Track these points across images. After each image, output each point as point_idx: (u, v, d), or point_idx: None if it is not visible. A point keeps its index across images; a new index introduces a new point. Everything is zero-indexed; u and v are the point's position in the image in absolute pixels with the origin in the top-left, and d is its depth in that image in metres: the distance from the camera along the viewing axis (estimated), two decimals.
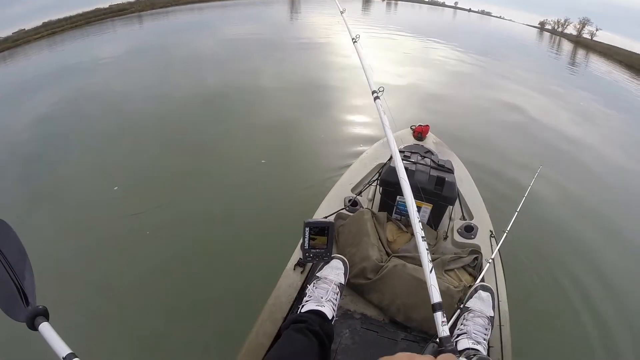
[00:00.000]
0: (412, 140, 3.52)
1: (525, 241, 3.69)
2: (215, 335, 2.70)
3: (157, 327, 2.82)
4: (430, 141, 3.57)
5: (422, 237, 1.22)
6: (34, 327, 1.07)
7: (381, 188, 2.49)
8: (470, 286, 1.91)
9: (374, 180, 2.70)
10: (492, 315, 1.76)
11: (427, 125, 3.61)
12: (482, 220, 2.62)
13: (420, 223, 1.25)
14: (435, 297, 1.15)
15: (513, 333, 1.90)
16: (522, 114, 8.76)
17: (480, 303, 1.78)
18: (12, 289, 1.18)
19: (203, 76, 9.54)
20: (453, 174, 2.43)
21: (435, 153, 3.00)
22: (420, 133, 3.55)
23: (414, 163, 2.44)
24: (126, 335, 2.78)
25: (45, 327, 1.05)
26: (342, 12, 2.81)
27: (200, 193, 4.42)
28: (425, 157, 2.56)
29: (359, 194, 2.69)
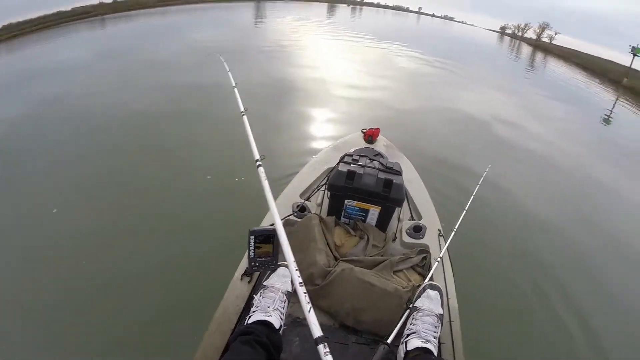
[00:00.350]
0: (362, 144, 3.54)
1: (473, 239, 3.82)
2: (163, 351, 2.64)
3: (101, 345, 2.73)
4: (380, 144, 3.60)
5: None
6: None
7: (329, 193, 2.49)
8: (419, 285, 1.92)
9: (322, 185, 2.70)
10: (441, 312, 1.76)
11: (378, 128, 3.64)
12: (431, 220, 2.65)
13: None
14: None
15: (464, 329, 1.93)
16: (476, 116, 9.06)
17: (428, 302, 1.78)
18: None
19: (161, 83, 9.42)
20: (401, 175, 2.45)
21: (385, 155, 3.03)
22: (370, 136, 3.58)
23: (362, 166, 2.44)
24: (74, 349, 2.70)
25: None
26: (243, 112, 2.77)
27: (144, 205, 4.31)
28: (374, 160, 2.57)
29: (308, 199, 2.69)
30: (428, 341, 1.59)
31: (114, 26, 22.36)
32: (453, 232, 2.45)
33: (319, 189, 2.75)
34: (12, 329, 2.78)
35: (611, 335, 3.25)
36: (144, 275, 3.28)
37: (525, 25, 72.73)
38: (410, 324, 1.71)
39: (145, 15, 26.98)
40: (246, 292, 2.00)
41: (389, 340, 1.63)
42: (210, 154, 5.50)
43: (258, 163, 1.79)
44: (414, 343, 1.59)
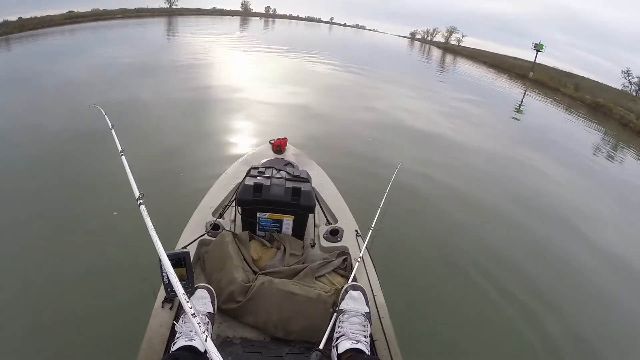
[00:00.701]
0: (271, 155, 3.53)
1: (392, 235, 3.92)
2: None
3: None
4: (290, 153, 3.63)
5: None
6: None
7: (240, 208, 2.48)
8: (342, 288, 1.93)
9: (233, 201, 2.66)
10: (368, 311, 1.78)
11: (285, 138, 3.67)
12: (347, 221, 2.67)
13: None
14: None
15: (395, 323, 1.95)
16: (387, 118, 9.49)
17: (352, 302, 1.80)
18: None
19: (74, 103, 9.01)
20: (309, 182, 2.48)
21: (296, 164, 3.02)
22: (279, 146, 3.61)
23: (269, 178, 2.45)
24: None
25: None
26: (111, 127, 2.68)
27: (52, 242, 3.94)
28: (280, 170, 2.58)
29: (220, 216, 2.64)
30: (358, 341, 1.60)
31: (20, 46, 21.03)
32: (370, 231, 2.49)
33: (230, 205, 2.72)
34: None
35: (534, 312, 3.46)
36: (59, 321, 2.99)
37: (434, 29, 76.23)
38: (338, 327, 1.71)
39: (53, 33, 25.63)
40: (169, 319, 1.92)
41: (320, 346, 1.63)
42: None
43: (139, 202, 1.79)
44: (344, 345, 1.59)
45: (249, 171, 2.58)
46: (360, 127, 8.26)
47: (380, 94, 11.80)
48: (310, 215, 2.50)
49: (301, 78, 13.12)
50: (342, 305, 1.80)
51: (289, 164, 2.94)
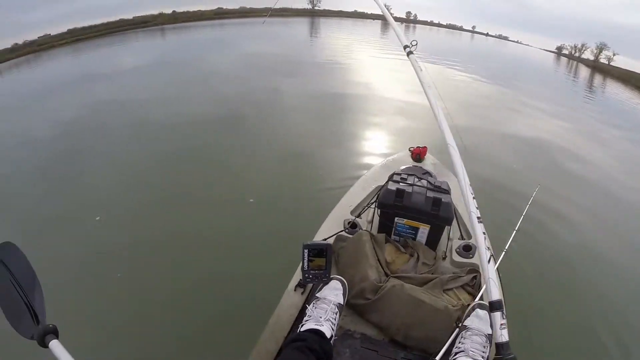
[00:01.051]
0: (410, 162, 3.57)
1: (524, 260, 3.78)
2: (218, 352, 2.76)
3: (164, 346, 2.87)
4: (429, 162, 3.62)
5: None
6: (44, 344, 1.11)
7: (379, 210, 2.53)
8: (469, 305, 1.92)
9: (372, 203, 2.73)
10: (490, 333, 1.75)
11: (425, 147, 3.67)
12: (481, 240, 2.62)
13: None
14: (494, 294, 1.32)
15: (513, 350, 1.90)
16: (528, 137, 8.87)
17: (477, 321, 1.79)
18: (22, 307, 1.23)
19: (220, 93, 9.71)
20: (449, 194, 2.47)
21: (434, 174, 3.04)
22: (418, 154, 3.61)
23: (411, 185, 2.49)
24: (136, 349, 2.85)
25: (55, 345, 1.09)
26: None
27: (204, 214, 4.51)
28: (422, 178, 2.60)
29: (358, 216, 2.73)
30: None
31: (173, 36, 23.09)
32: (503, 252, 2.45)
33: (369, 207, 2.79)
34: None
35: None
36: (201, 284, 3.46)
37: (582, 45, 70.45)
38: (459, 342, 1.72)
39: (203, 27, 27.74)
40: (299, 302, 2.06)
41: (437, 358, 1.65)
42: (269, 165, 5.74)
43: (408, 50, 1.98)
44: None
45: (391, 176, 2.63)
46: (498, 144, 7.90)
47: (522, 113, 11.14)
48: (446, 228, 2.50)
49: (441, 87, 12.89)
50: (467, 322, 1.80)
51: (427, 173, 2.98)
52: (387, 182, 2.59)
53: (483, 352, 1.67)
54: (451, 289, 2.14)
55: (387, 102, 10.01)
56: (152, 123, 7.59)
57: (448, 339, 1.76)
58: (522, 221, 2.89)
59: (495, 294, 2.15)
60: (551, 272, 3.95)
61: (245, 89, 10.23)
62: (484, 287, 2.08)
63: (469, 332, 1.74)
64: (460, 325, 1.82)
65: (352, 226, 2.58)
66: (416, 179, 2.58)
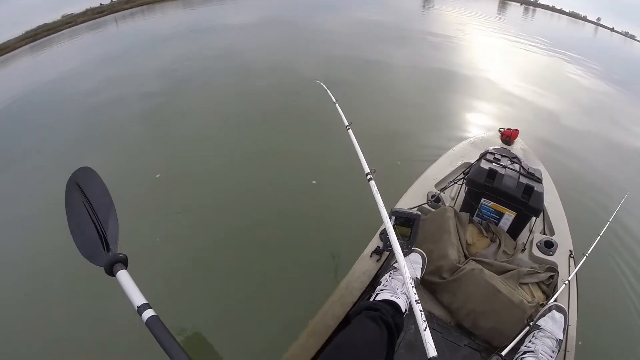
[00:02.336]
0: (499, 143, 3.44)
1: (605, 269, 3.58)
2: (285, 307, 2.81)
3: (232, 294, 2.97)
4: (518, 147, 3.48)
5: None
6: (112, 273, 1.13)
7: (467, 188, 2.46)
8: (543, 304, 1.87)
9: (460, 179, 2.63)
10: (562, 338, 1.72)
11: (517, 130, 3.51)
12: (563, 238, 2.53)
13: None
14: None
15: (580, 357, 1.86)
16: (623, 139, 8.26)
17: (552, 323, 1.75)
18: (94, 233, 1.25)
19: (324, 56, 9.80)
20: (542, 184, 2.35)
21: (523, 160, 2.96)
22: (508, 137, 3.47)
23: (504, 167, 2.39)
24: (202, 297, 2.97)
25: (122, 275, 1.11)
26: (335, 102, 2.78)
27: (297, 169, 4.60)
28: (514, 162, 2.51)
29: (443, 190, 2.67)
30: None
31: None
32: (585, 257, 2.34)
33: (455, 182, 2.70)
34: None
35: None
36: (276, 240, 3.55)
37: None
38: (529, 341, 1.68)
39: None
40: (373, 269, 2.04)
41: (503, 353, 1.63)
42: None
43: (369, 177, 1.85)
44: None
45: (484, 154, 2.54)
46: (595, 144, 7.45)
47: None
48: (530, 219, 2.41)
49: (552, 80, 12.13)
50: (540, 322, 1.76)
51: (516, 157, 2.89)
52: (479, 159, 2.49)
53: (551, 356, 1.63)
54: (527, 284, 2.08)
55: (485, 81, 9.60)
56: (250, 81, 7.82)
57: (517, 335, 1.72)
58: (608, 228, 2.75)
59: (573, 299, 2.12)
60: (634, 289, 3.75)
61: (351, 53, 10.22)
62: (560, 289, 2.02)
63: (541, 333, 1.70)
64: (532, 324, 1.77)
65: (436, 200, 2.53)
66: (508, 162, 2.48)
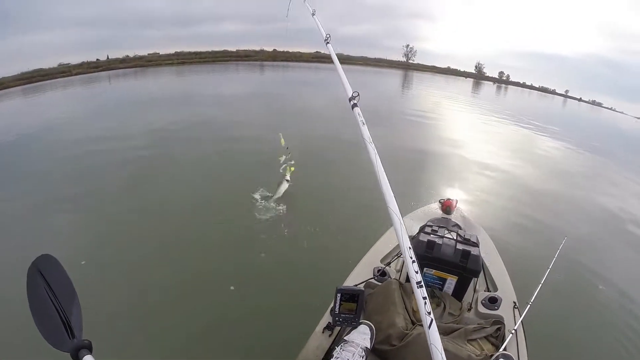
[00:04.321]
0: (439, 214, 3.69)
1: (550, 314, 3.75)
2: None
3: None
4: (457, 215, 3.73)
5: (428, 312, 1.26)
6: (77, 358, 1.16)
7: None
8: (492, 355, 1.99)
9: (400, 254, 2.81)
10: None
11: (456, 200, 3.78)
12: (506, 291, 2.72)
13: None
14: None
15: None
16: (562, 189, 9.01)
17: None
18: (58, 320, 1.27)
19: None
20: (478, 247, 2.57)
21: (462, 226, 3.16)
22: (448, 207, 3.71)
23: (441, 237, 2.60)
24: None
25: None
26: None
27: (236, 252, 4.79)
28: (451, 230, 2.72)
29: (388, 264, 2.84)
30: None
31: (272, 72, 24.38)
32: (528, 305, 2.48)
33: (398, 256, 2.89)
34: None
35: None
36: (230, 320, 3.68)
37: None
38: None
39: (299, 68, 28.99)
40: (326, 344, 2.16)
41: None
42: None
43: (352, 102, 1.95)
44: None
45: (423, 227, 2.76)
46: (522, 198, 7.94)
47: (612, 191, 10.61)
48: (473, 279, 2.59)
49: (516, 149, 12.73)
50: None
51: (456, 225, 3.11)
52: (418, 233, 2.71)
53: None
54: (475, 340, 2.20)
55: (456, 157, 10.40)
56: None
57: None
58: (549, 274, 2.92)
59: (522, 346, 2.27)
60: (578, 329, 3.97)
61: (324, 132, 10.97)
62: (507, 339, 2.16)
63: None
64: None
65: (382, 274, 2.68)
66: (446, 232, 2.69)
